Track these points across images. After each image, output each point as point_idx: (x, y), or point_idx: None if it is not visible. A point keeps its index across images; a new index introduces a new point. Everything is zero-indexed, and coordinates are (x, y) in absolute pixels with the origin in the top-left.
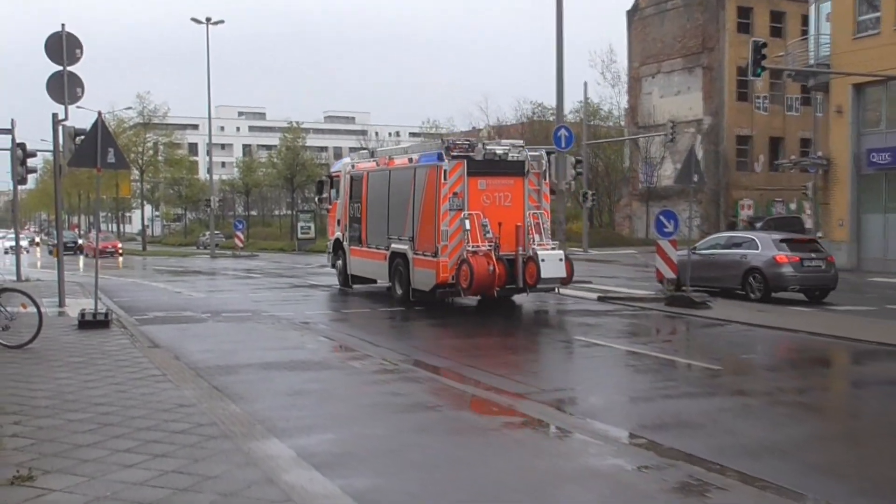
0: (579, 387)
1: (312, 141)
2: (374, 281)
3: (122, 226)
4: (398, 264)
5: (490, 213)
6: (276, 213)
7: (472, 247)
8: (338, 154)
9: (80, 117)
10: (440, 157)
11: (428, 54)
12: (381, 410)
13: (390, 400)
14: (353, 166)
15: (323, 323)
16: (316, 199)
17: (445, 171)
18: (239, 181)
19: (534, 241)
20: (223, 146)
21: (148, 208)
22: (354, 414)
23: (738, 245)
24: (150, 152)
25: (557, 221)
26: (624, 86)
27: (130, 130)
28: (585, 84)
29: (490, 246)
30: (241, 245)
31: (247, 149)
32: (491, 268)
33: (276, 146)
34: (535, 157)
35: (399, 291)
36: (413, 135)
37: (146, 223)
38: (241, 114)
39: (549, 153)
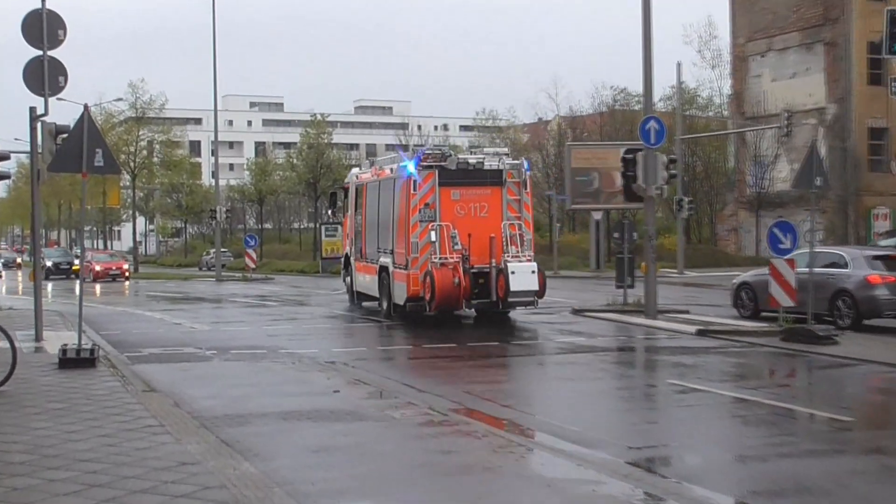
0: (674, 443)
1: (341, 137)
2: (377, 297)
3: (109, 242)
4: (384, 278)
5: (464, 224)
6: (296, 225)
7: (440, 259)
8: (371, 152)
9: (63, 112)
10: (411, 168)
11: (481, 32)
12: (427, 472)
13: (439, 459)
14: (357, 177)
15: (354, 362)
16: (329, 212)
17: (415, 181)
18: (250, 187)
19: (509, 252)
20: (231, 144)
21: (140, 221)
22: (395, 476)
23: (825, 263)
24: (144, 153)
25: (646, 236)
26: (726, 67)
27: (121, 127)
28: (679, 65)
29: (458, 258)
30: (252, 266)
31: (260, 147)
32: (456, 280)
33: (295, 144)
34: (513, 165)
35: (384, 306)
36: (465, 128)
37: (138, 239)
38: (253, 105)
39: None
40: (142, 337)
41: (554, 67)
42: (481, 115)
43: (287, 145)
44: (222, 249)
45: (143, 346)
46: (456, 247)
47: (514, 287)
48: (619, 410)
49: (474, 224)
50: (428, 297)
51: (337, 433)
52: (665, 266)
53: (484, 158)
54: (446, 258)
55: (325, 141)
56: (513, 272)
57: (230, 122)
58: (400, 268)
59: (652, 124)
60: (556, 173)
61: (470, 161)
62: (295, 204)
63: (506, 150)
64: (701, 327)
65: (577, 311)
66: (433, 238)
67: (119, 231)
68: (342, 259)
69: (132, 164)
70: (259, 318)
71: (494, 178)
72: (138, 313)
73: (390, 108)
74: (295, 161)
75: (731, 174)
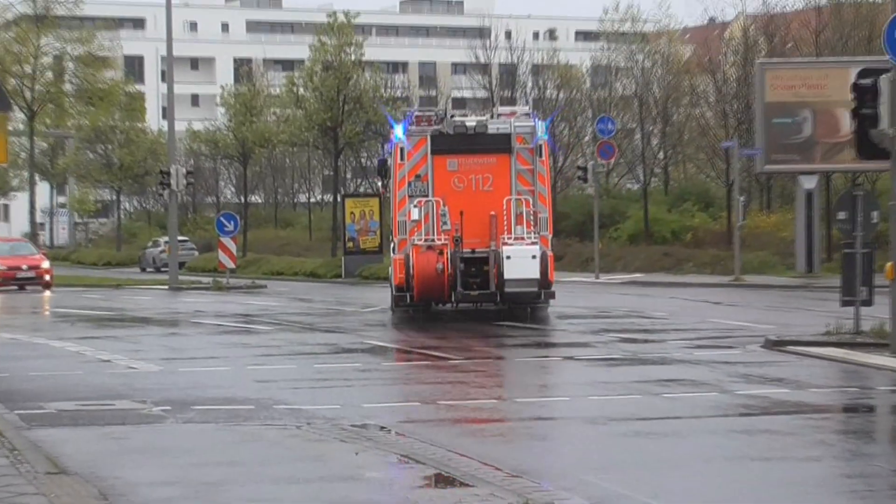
0: None
1: (378, 52)
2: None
3: None
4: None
5: (462, 200)
6: (303, 199)
7: (426, 241)
8: (427, 75)
9: None
10: (399, 133)
11: None
12: None
13: None
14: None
15: (400, 425)
16: (380, 184)
17: (403, 149)
18: (227, 135)
19: (514, 233)
20: (196, 62)
21: (43, 190)
22: None
23: None
24: (49, 75)
25: (884, 214)
26: None
27: (8, 31)
28: None
29: (447, 240)
30: (231, 266)
31: (244, 68)
32: (439, 266)
33: (303, 63)
34: (525, 128)
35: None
36: (584, 36)
37: (38, 220)
38: None
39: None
40: (45, 383)
41: None
42: (612, 14)
43: (289, 64)
44: (180, 238)
45: (48, 399)
46: (445, 227)
47: (508, 274)
48: None
49: (475, 200)
50: (407, 285)
51: None
52: None
53: (486, 120)
54: (432, 240)
55: (353, 58)
56: (508, 257)
57: (193, 26)
58: (392, 253)
59: None
60: (740, 112)
61: (468, 124)
62: (302, 163)
63: (526, 108)
64: None
65: (774, 344)
66: (416, 216)
67: (6, 206)
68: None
69: (28, 96)
70: (241, 353)
71: (501, 144)
72: (39, 343)
73: (460, 4)
74: (302, 92)
75: None
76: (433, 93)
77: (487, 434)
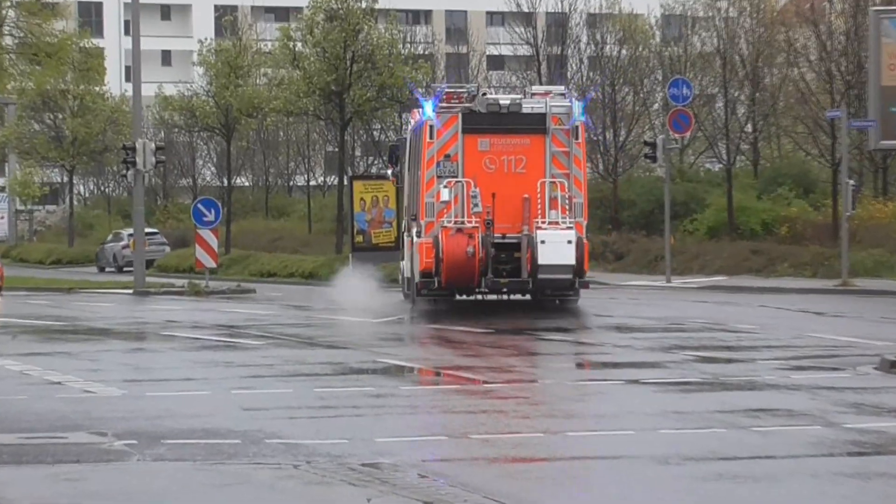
0: None
1: None
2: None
3: None
4: (412, 253)
5: (494, 181)
6: (300, 181)
7: (455, 223)
8: (457, 26)
9: None
10: (428, 111)
11: None
12: None
13: None
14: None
15: (425, 463)
16: (389, 173)
17: (432, 127)
18: (207, 101)
19: (548, 218)
20: (167, 9)
21: None
22: None
23: None
24: None
25: None
26: None
27: None
28: None
29: (478, 223)
30: (211, 265)
31: (226, 18)
32: (470, 249)
33: (300, 10)
34: (561, 108)
35: (407, 287)
36: None
37: None
38: None
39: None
40: None
41: None
42: None
43: (283, 13)
44: (148, 230)
45: None
46: (476, 209)
47: (542, 260)
48: None
49: (507, 182)
50: (435, 269)
51: None
52: None
53: (521, 99)
54: (462, 222)
55: (363, 5)
56: (542, 241)
57: None
58: (416, 237)
59: None
60: (849, 74)
61: (502, 102)
62: (300, 137)
63: (561, 88)
64: None
65: (892, 366)
66: (447, 197)
67: None
68: (401, 240)
69: None
70: (224, 374)
71: (535, 125)
72: None
73: None
74: (300, 48)
75: None
76: (463, 48)
77: (532, 476)
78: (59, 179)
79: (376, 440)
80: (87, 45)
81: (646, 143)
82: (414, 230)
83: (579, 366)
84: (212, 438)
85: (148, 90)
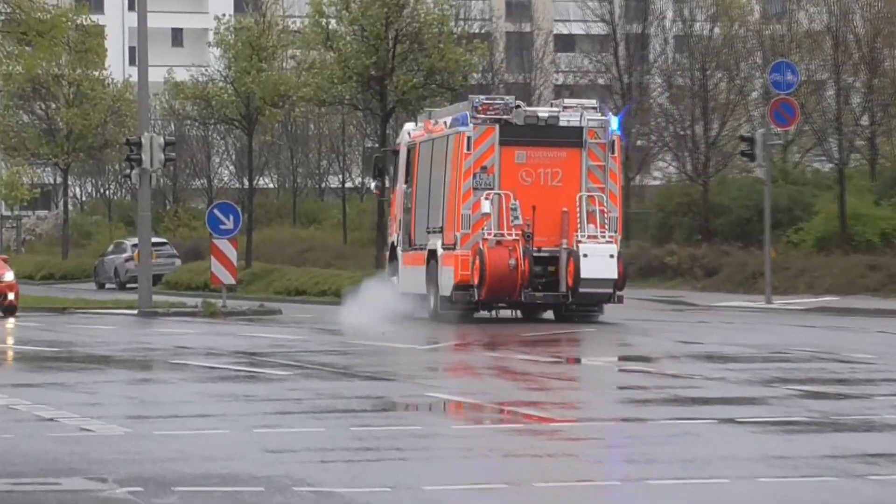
0: None
1: None
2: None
3: None
4: (432, 266)
5: (530, 194)
6: (334, 183)
7: (496, 235)
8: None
9: None
10: (464, 121)
11: None
12: None
13: None
14: (409, 135)
15: None
16: (372, 185)
17: (470, 138)
18: (225, 88)
19: (586, 232)
20: None
21: None
22: None
23: None
24: None
25: None
26: None
27: None
28: None
29: (518, 236)
30: (230, 281)
31: None
32: (513, 262)
33: None
34: (598, 122)
35: (431, 304)
36: None
37: None
38: None
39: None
40: None
41: None
42: None
43: None
44: (156, 240)
45: None
46: (516, 221)
47: (585, 273)
48: None
49: (543, 195)
50: (477, 281)
51: None
52: None
53: (559, 112)
54: (503, 234)
55: None
56: (585, 255)
57: None
58: (448, 249)
59: None
60: None
61: (541, 115)
62: (333, 130)
63: (593, 101)
64: None
65: None
66: (487, 209)
67: None
68: (388, 250)
69: None
70: (245, 410)
71: (572, 138)
72: None
73: None
74: (334, 26)
75: None
76: (526, 26)
77: None
78: (52, 180)
79: (424, 488)
80: (84, 23)
81: (742, 139)
82: (437, 242)
83: (663, 401)
84: (230, 485)
85: (156, 75)
